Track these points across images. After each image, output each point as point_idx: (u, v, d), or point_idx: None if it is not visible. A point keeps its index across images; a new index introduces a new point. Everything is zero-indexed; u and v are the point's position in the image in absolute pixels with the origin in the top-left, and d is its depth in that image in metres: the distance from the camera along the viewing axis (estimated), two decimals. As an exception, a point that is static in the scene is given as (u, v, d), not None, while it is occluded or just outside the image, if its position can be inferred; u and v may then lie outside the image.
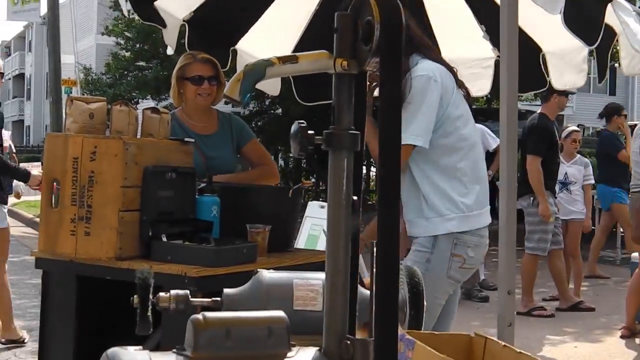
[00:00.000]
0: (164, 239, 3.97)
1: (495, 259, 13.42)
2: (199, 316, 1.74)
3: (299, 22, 6.20)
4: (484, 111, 19.10)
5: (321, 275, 2.29)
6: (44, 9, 27.61)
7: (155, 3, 5.49)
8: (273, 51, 5.82)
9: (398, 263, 1.52)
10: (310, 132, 1.59)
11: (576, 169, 10.17)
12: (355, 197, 1.61)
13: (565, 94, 10.49)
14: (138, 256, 3.96)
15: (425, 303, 2.22)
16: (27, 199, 25.71)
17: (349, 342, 1.62)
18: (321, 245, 7.78)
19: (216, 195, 4.30)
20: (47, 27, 27.34)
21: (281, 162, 23.84)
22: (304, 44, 6.06)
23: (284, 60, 1.63)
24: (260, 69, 1.63)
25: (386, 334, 1.52)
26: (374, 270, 1.53)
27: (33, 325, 8.71)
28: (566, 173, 10.01)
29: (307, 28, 6.19)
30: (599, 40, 4.31)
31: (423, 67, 4.26)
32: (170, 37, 5.62)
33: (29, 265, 12.77)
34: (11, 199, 22.68)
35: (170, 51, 5.73)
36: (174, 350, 1.74)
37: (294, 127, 1.62)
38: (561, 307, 9.86)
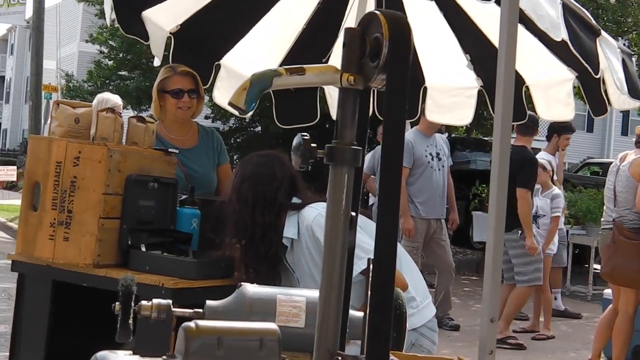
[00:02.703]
0: (143, 249, 3.94)
1: (467, 288, 13.43)
2: (191, 324, 1.73)
3: (285, 40, 6.19)
4: (463, 140, 19.18)
5: (304, 292, 2.28)
6: (29, 12, 27.56)
7: (143, 13, 5.46)
8: (258, 67, 5.82)
9: (393, 282, 1.51)
10: (313, 145, 1.57)
11: (544, 202, 10.18)
12: (353, 213, 1.60)
13: (563, 132, 10.61)
14: (116, 264, 3.94)
15: (407, 325, 2.21)
16: (0, 202, 25.65)
17: (339, 357, 1.61)
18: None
19: (197, 208, 4.29)
20: (31, 31, 27.28)
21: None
22: (289, 62, 6.05)
23: (291, 71, 1.62)
24: (267, 78, 1.62)
25: (378, 352, 1.50)
26: (369, 287, 1.52)
27: (1, 330, 8.65)
28: (536, 206, 10.01)
29: (293, 46, 6.18)
30: (600, 70, 4.34)
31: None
32: (157, 48, 5.59)
33: (1, 269, 12.74)
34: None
35: (157, 62, 5.69)
36: (164, 356, 1.73)
37: (296, 140, 1.60)
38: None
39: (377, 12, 1.55)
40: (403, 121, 1.51)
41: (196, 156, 5.21)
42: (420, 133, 9.86)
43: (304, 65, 1.61)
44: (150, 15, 5.47)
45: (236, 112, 1.59)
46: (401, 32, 1.48)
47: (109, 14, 5.22)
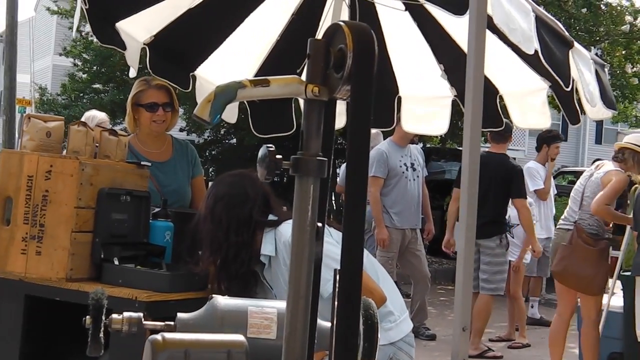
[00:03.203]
0: (116, 262, 3.93)
1: (442, 297, 13.44)
2: (158, 337, 1.72)
3: (260, 51, 6.20)
4: (438, 151, 19.20)
5: (276, 304, 2.28)
6: (1, 26, 27.49)
7: (117, 24, 5.45)
8: (231, 79, 5.83)
9: (360, 291, 1.51)
10: (278, 156, 1.57)
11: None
12: (319, 224, 1.61)
13: (552, 142, 10.68)
14: (89, 278, 3.92)
15: (378, 336, 2.21)
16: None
17: (307, 366, 1.61)
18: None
19: (170, 221, 4.28)
20: (4, 45, 27.18)
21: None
22: (263, 74, 6.05)
23: (255, 83, 1.62)
24: (231, 90, 1.62)
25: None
26: (335, 300, 1.52)
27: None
28: (509, 215, 10.02)
29: (267, 57, 6.19)
30: (571, 83, 4.36)
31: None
32: (132, 58, 5.58)
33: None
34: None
35: (132, 73, 5.68)
36: (132, 370, 1.72)
37: (262, 151, 1.60)
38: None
39: (341, 23, 1.55)
40: (368, 131, 1.51)
41: (170, 169, 5.20)
42: (394, 144, 9.88)
43: (269, 77, 1.61)
44: (124, 26, 5.47)
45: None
46: (365, 43, 1.49)
47: (77, 26, 5.22)
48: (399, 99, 6.49)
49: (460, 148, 18.16)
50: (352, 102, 1.49)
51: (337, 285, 1.54)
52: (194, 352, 1.69)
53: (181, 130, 19.66)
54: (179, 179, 5.25)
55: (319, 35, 5.97)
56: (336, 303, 1.52)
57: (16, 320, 3.95)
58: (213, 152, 20.74)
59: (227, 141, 20.93)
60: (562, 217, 8.70)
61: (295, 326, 1.61)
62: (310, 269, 1.59)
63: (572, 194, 8.53)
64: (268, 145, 1.58)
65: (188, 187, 5.32)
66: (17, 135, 23.57)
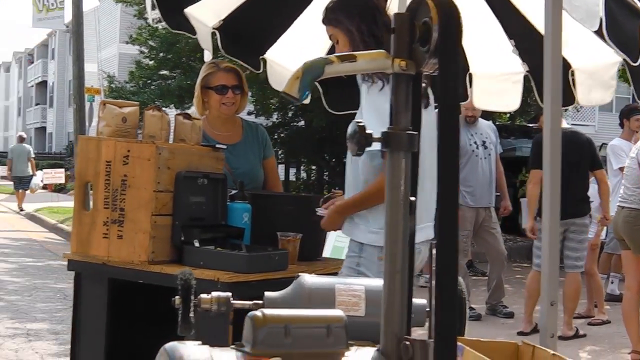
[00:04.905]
0: (197, 244, 3.97)
1: (519, 275, 13.35)
2: (258, 312, 1.74)
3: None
4: (507, 128, 19.03)
5: (363, 281, 2.29)
6: (68, 16, 27.78)
7: (185, 10, 5.49)
8: (301, 61, 5.84)
9: (457, 264, 1.52)
10: (368, 131, 1.58)
11: (593, 187, 10.05)
12: (412, 198, 1.62)
13: (631, 115, 10.49)
14: (170, 260, 3.98)
15: (467, 310, 2.22)
16: (50, 204, 25.96)
17: (408, 342, 1.62)
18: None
19: (247, 202, 4.31)
20: (71, 35, 27.49)
21: (303, 174, 23.79)
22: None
23: (342, 58, 1.63)
24: (319, 66, 1.63)
25: (446, 336, 1.52)
26: (433, 270, 1.53)
27: (58, 328, 8.77)
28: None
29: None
30: None
31: None
32: (205, 42, 5.62)
33: (54, 270, 12.94)
34: (34, 204, 22.85)
35: (207, 56, 5.70)
36: (233, 346, 1.74)
37: (351, 127, 1.61)
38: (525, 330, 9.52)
39: (425, -4, 1.56)
40: (458, 104, 1.52)
41: (241, 151, 5.22)
42: (464, 121, 9.84)
43: (355, 52, 1.62)
44: (192, 11, 5.50)
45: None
46: (450, 15, 1.49)
47: (150, 12, 5.25)
48: (470, 76, 6.46)
49: (530, 125, 17.98)
50: (440, 75, 1.50)
51: (433, 259, 1.55)
52: (294, 327, 1.71)
53: (249, 113, 19.73)
54: (250, 161, 5.26)
55: (389, 11, 6.00)
56: (434, 278, 1.53)
57: (101, 303, 4.02)
58: (282, 135, 20.78)
59: (295, 123, 20.95)
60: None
61: (393, 301, 1.62)
62: (405, 243, 1.60)
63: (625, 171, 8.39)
64: (358, 120, 1.59)
65: (260, 169, 5.34)
66: (87, 123, 23.88)
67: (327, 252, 6.69)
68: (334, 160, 21.17)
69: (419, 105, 1.63)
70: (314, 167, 22.96)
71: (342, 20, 4.13)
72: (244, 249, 4.04)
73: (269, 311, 1.76)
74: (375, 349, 1.69)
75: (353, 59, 1.63)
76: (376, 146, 3.48)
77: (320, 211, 4.24)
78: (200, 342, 1.79)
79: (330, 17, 4.21)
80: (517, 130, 18.74)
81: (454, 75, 1.50)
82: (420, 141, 3.83)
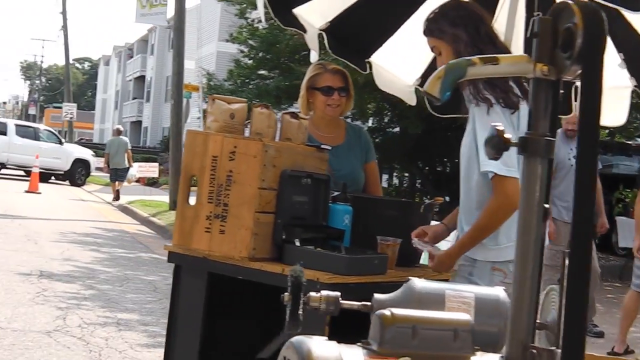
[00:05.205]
0: (297, 244, 3.98)
1: (610, 294, 13.14)
2: (386, 311, 1.73)
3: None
4: (605, 144, 18.75)
5: (473, 289, 2.26)
6: (169, 13, 28.16)
7: (294, 10, 5.52)
8: (406, 66, 5.79)
9: (589, 275, 1.49)
10: (507, 135, 1.56)
11: None
12: (546, 205, 1.59)
13: None
14: (270, 258, 3.99)
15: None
16: (143, 198, 26.35)
17: (534, 351, 1.59)
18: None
19: (349, 205, 4.30)
20: (172, 31, 27.85)
21: (395, 180, 23.75)
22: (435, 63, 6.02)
23: (485, 60, 1.61)
24: (461, 67, 1.61)
25: (575, 346, 1.48)
26: (565, 280, 1.50)
27: (148, 320, 8.88)
28: None
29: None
30: None
31: None
32: (312, 43, 5.64)
33: (144, 262, 13.10)
34: (127, 197, 23.21)
35: (314, 56, 5.73)
36: (359, 343, 1.74)
37: (490, 131, 1.60)
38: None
39: (569, 1, 1.53)
40: (599, 113, 1.49)
41: (344, 154, 5.21)
42: (564, 135, 9.72)
43: (497, 55, 1.60)
44: (301, 12, 5.52)
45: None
46: (596, 21, 1.46)
47: (261, 9, 5.28)
48: (576, 88, 6.37)
49: (629, 142, 17.69)
50: (583, 83, 1.47)
51: (565, 268, 1.52)
52: (421, 329, 1.70)
53: (346, 117, 19.74)
54: (352, 163, 5.26)
55: (494, 24, 5.95)
56: (565, 286, 1.50)
57: (199, 297, 4.04)
58: (376, 140, 20.77)
59: (390, 129, 20.93)
60: None
61: (522, 307, 1.60)
62: (537, 250, 1.58)
63: None
64: (496, 124, 1.57)
65: (361, 172, 5.33)
66: (183, 120, 24.14)
67: (420, 259, 6.65)
68: (427, 168, 21.10)
69: (556, 112, 1.61)
70: (406, 174, 22.90)
71: (445, 29, 4.10)
72: (344, 251, 4.04)
73: (397, 311, 1.74)
74: (500, 356, 1.67)
75: (495, 61, 1.61)
76: (488, 166, 3.44)
77: (418, 244, 4.19)
78: (326, 338, 1.78)
79: (432, 28, 4.18)
80: (615, 146, 18.48)
81: (598, 83, 1.47)
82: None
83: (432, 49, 4.27)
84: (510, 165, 3.78)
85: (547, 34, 1.56)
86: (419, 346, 1.69)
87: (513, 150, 3.75)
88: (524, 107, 3.93)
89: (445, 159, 21.19)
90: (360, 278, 3.87)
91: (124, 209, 25.04)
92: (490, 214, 3.83)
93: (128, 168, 28.53)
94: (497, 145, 1.55)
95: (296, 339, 1.77)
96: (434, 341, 1.72)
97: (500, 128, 1.56)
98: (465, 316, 1.76)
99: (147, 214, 22.15)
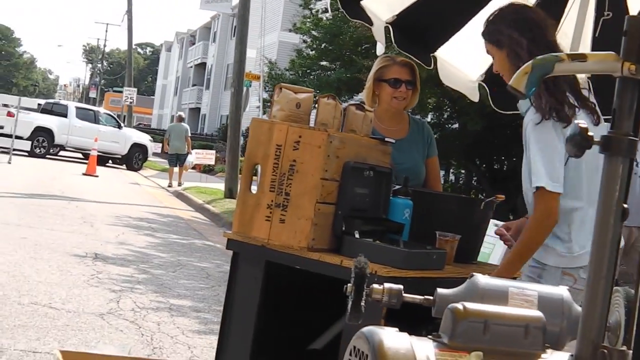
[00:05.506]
0: (357, 236, 3.96)
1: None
2: (459, 305, 1.72)
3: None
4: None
5: (537, 287, 2.24)
6: (234, 0, 28.26)
7: (362, 3, 5.51)
8: (470, 62, 5.75)
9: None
10: (590, 133, 1.54)
11: None
12: (625, 205, 1.57)
13: None
14: (329, 249, 3.98)
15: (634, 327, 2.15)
16: (198, 185, 26.52)
17: (606, 351, 1.57)
18: (494, 261, 7.67)
19: (409, 199, 4.28)
20: (236, 19, 27.95)
21: (452, 177, 23.65)
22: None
23: (572, 57, 1.59)
24: (549, 64, 1.59)
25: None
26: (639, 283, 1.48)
27: (200, 306, 8.92)
28: None
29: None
30: None
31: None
32: (379, 35, 5.63)
33: (198, 249, 13.19)
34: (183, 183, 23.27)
35: (380, 49, 5.73)
36: (430, 336, 1.73)
37: (572, 128, 1.57)
38: None
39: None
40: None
41: (406, 147, 5.19)
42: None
43: (585, 52, 1.57)
44: (369, 4, 5.52)
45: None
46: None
47: (329, 1, 5.29)
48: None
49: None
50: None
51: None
52: (493, 324, 1.69)
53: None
54: (414, 157, 5.24)
55: (564, 23, 5.89)
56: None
57: (256, 285, 4.04)
58: (435, 136, 20.70)
59: (449, 125, 20.84)
60: None
61: (594, 307, 1.58)
62: (613, 250, 1.56)
63: None
64: (579, 121, 1.55)
65: (422, 167, 5.31)
66: (242, 108, 24.21)
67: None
68: (484, 165, 20.97)
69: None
70: (463, 171, 22.79)
71: (501, 32, 4.06)
72: (402, 245, 4.02)
73: (470, 305, 1.73)
74: (570, 354, 1.65)
75: (583, 58, 1.58)
76: (539, 181, 3.42)
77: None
78: (397, 329, 1.77)
79: (489, 30, 4.16)
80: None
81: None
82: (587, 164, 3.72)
83: (488, 52, 4.24)
84: (555, 180, 3.77)
85: (637, 32, 1.53)
86: (491, 341, 1.68)
87: (561, 165, 3.73)
88: (581, 114, 3.90)
89: (502, 157, 21.04)
90: (418, 272, 3.85)
91: (179, 195, 25.21)
92: (532, 230, 3.86)
93: (187, 154, 28.74)
94: (579, 142, 1.53)
95: (367, 329, 1.76)
96: (506, 337, 1.70)
97: (584, 125, 1.54)
98: (537, 313, 1.74)
99: (202, 200, 22.27)
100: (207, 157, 32.20)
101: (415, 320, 2.41)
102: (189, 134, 29.13)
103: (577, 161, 3.85)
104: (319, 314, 4.23)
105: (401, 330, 1.84)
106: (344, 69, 19.48)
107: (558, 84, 3.89)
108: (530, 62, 1.61)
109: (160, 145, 35.65)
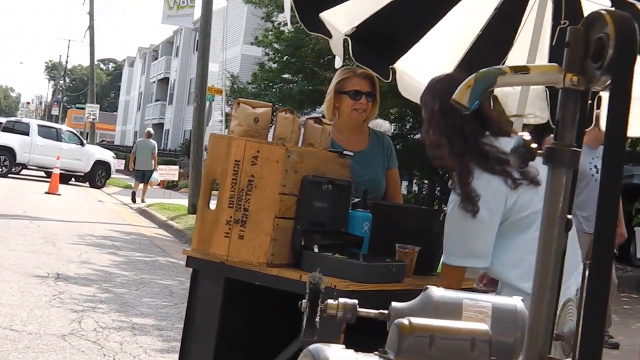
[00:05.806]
0: (316, 250, 3.95)
1: (626, 305, 13.09)
2: (405, 320, 1.71)
3: (459, 47, 6.15)
4: (628, 154, 18.64)
5: (490, 298, 2.24)
6: (196, 14, 28.22)
7: (321, 15, 5.51)
8: (430, 74, 5.79)
9: (609, 289, 1.47)
10: (533, 145, 1.54)
11: None
12: (569, 216, 1.57)
13: None
14: (288, 264, 3.96)
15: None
16: (162, 201, 26.38)
17: (549, 361, 1.57)
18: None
19: (369, 211, 4.28)
20: (197, 33, 27.90)
21: (415, 187, 23.70)
22: (465, 68, 6.01)
23: (515, 69, 1.59)
24: (491, 77, 1.59)
25: (591, 357, 1.46)
26: (584, 290, 1.48)
27: (163, 325, 8.87)
28: None
29: (466, 55, 6.13)
30: None
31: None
32: (337, 48, 5.64)
33: (161, 266, 13.11)
34: (145, 200, 23.29)
35: (338, 62, 5.73)
36: (376, 352, 1.72)
37: (516, 141, 1.57)
38: None
39: (602, 11, 1.50)
40: (626, 125, 1.46)
41: (366, 160, 5.19)
42: (586, 145, 9.66)
43: (528, 65, 1.57)
44: (327, 17, 5.52)
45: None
46: (628, 33, 1.44)
47: (288, 12, 5.28)
48: (599, 98, 6.30)
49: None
50: (612, 94, 1.45)
51: (585, 279, 1.50)
52: (439, 338, 1.68)
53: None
54: (374, 169, 5.24)
55: (523, 29, 5.92)
56: (584, 297, 1.49)
57: (215, 302, 4.02)
58: (397, 147, 20.75)
59: (412, 136, 20.90)
60: None
61: (540, 317, 1.58)
62: (557, 261, 1.56)
63: None
64: (523, 133, 1.55)
65: (383, 179, 5.31)
66: (205, 123, 24.16)
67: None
68: (446, 175, 21.02)
69: (584, 123, 1.58)
70: (426, 182, 22.85)
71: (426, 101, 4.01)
72: (362, 258, 4.02)
73: (415, 320, 1.73)
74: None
75: (526, 71, 1.58)
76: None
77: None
78: (343, 346, 1.76)
79: (421, 98, 4.11)
80: (636, 156, 18.35)
81: (627, 94, 1.45)
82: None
83: None
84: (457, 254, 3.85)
85: (578, 43, 1.53)
86: (437, 355, 1.67)
87: (481, 236, 3.69)
88: (523, 189, 3.81)
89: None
90: (378, 286, 3.85)
91: (143, 212, 25.07)
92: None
93: (153, 170, 28.64)
94: (522, 155, 1.53)
95: (314, 346, 1.75)
96: (452, 351, 1.70)
97: (527, 138, 1.54)
98: (483, 326, 1.74)
99: (166, 217, 22.17)
100: (171, 172, 32.11)
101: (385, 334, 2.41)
102: (156, 151, 29.04)
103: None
104: (280, 330, 4.21)
105: (368, 345, 1.83)
106: (306, 82, 19.51)
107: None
108: (473, 75, 1.61)
109: (123, 162, 35.46)
